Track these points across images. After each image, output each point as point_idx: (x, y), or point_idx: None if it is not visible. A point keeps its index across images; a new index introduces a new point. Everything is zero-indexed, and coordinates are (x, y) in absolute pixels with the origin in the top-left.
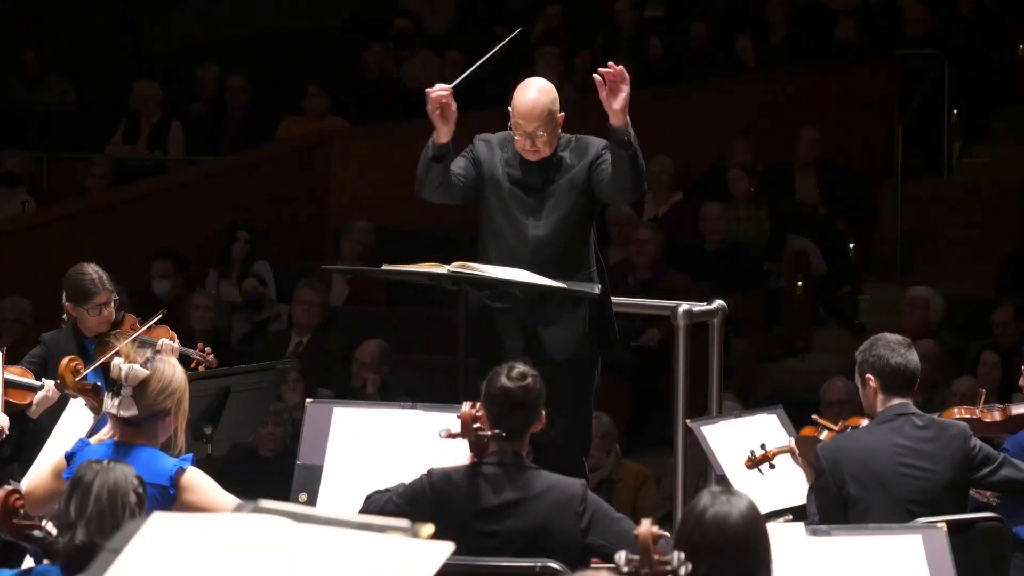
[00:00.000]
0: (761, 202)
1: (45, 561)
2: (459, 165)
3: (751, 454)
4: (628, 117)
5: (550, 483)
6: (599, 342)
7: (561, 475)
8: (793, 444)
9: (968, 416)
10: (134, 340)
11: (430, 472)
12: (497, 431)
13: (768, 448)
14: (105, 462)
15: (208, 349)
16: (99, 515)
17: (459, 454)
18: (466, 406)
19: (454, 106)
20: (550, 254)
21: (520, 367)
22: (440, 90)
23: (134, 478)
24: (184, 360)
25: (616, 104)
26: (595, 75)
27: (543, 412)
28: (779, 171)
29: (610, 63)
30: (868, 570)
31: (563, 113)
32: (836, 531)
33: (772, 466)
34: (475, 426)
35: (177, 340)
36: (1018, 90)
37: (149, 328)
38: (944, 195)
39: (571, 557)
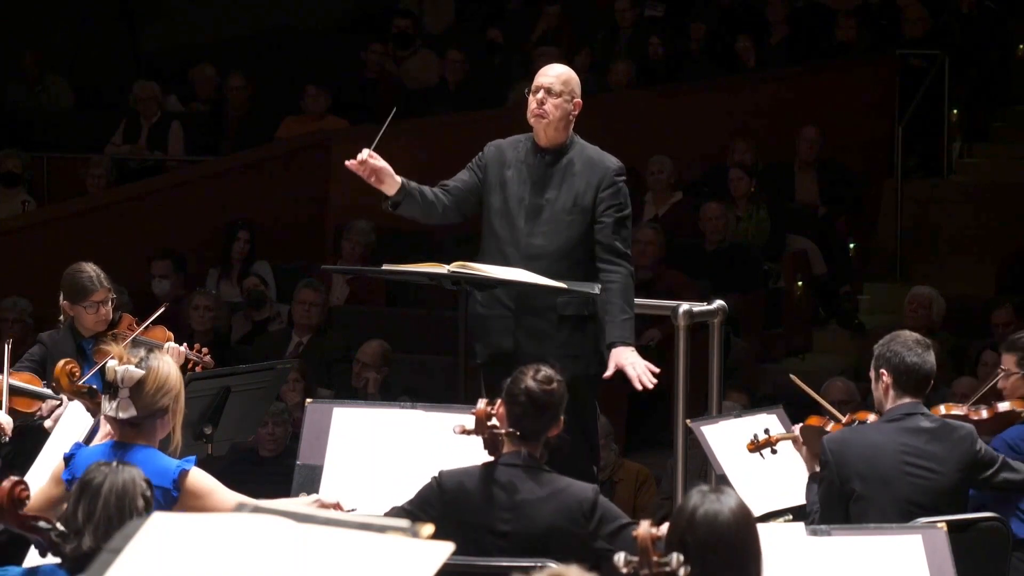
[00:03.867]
0: (761, 202)
1: (53, 559)
2: (460, 179)
3: (754, 437)
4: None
5: (561, 486)
6: (597, 363)
7: (574, 479)
8: (797, 432)
9: (957, 413)
10: (130, 341)
11: (440, 474)
12: (513, 430)
13: (772, 434)
14: (114, 464)
15: (205, 349)
16: (107, 520)
17: (462, 454)
18: (481, 403)
19: (381, 162)
20: (546, 265)
21: (546, 370)
22: (361, 161)
23: (143, 481)
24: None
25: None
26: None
27: (561, 418)
28: (779, 171)
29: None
30: (868, 570)
31: (579, 100)
32: (836, 531)
33: (774, 451)
34: (490, 423)
35: (174, 340)
36: (1018, 90)
37: (147, 327)
38: (944, 195)
39: (582, 560)
